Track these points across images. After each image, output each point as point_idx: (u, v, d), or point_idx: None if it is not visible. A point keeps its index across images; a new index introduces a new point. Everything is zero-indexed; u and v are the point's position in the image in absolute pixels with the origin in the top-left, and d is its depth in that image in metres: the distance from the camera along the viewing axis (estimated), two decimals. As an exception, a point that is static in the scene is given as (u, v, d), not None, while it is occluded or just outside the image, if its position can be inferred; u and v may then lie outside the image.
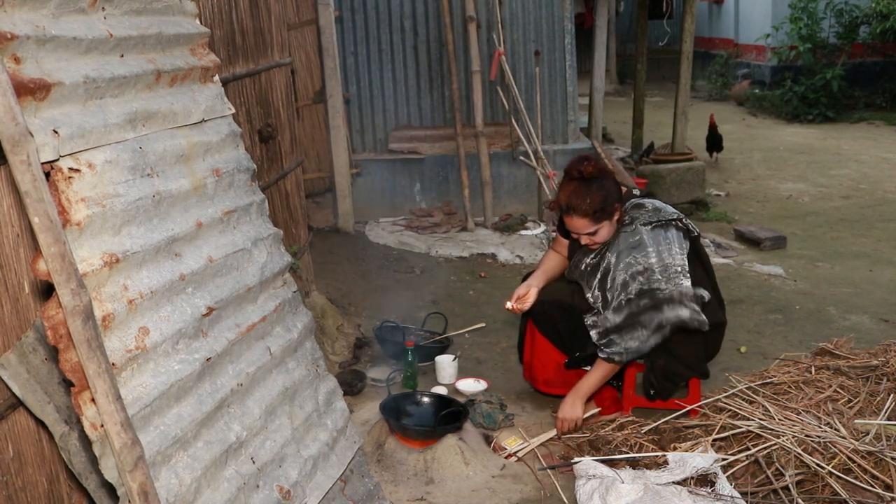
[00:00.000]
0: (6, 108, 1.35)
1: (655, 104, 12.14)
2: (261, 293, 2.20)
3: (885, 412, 2.82)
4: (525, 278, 3.31)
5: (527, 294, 3.16)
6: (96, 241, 1.64)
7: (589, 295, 3.01)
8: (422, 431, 2.88)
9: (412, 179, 6.39)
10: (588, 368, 3.24)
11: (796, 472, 2.53)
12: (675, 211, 3.04)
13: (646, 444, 2.83)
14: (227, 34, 3.27)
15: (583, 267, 3.05)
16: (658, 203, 3.05)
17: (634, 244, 2.92)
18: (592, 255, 3.03)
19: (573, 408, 3.03)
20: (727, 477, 2.57)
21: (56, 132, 1.55)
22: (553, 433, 3.05)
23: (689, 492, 2.46)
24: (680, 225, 2.99)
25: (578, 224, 2.92)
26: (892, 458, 2.52)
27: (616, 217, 2.97)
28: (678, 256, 2.91)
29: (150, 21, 2.00)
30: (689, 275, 2.90)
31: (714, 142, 8.49)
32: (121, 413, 1.52)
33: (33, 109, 1.53)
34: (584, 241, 3.00)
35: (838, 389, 3.01)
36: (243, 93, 3.44)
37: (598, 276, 2.98)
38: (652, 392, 3.09)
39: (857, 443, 2.59)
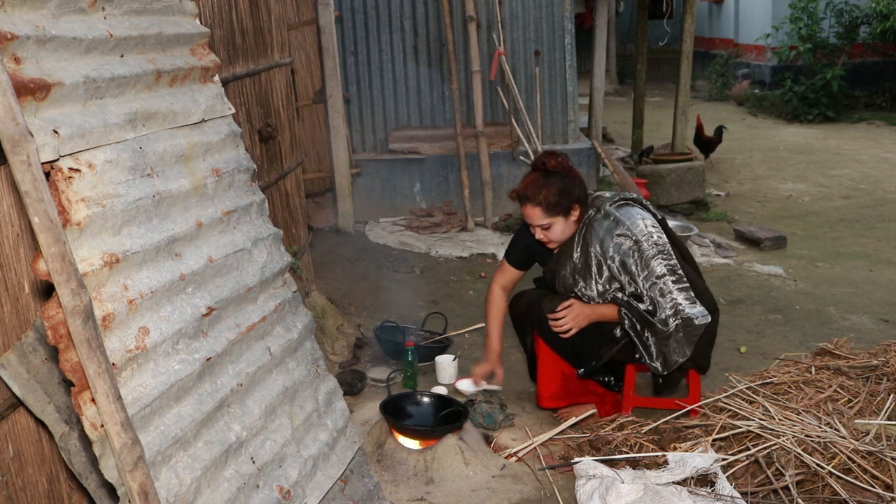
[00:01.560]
0: (6, 108, 1.35)
1: (655, 104, 12.15)
2: (261, 293, 2.20)
3: (885, 412, 2.82)
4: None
5: (487, 372, 3.21)
6: (96, 241, 1.64)
7: (594, 293, 2.99)
8: (421, 431, 2.88)
9: (412, 179, 6.39)
10: (601, 379, 3.23)
11: (796, 472, 2.53)
12: (634, 195, 3.09)
13: (646, 444, 2.83)
14: (227, 34, 3.27)
15: (568, 272, 3.03)
16: (614, 192, 3.10)
17: (611, 225, 2.92)
18: (576, 257, 3.00)
19: (582, 316, 2.96)
20: (727, 477, 2.57)
21: (56, 132, 1.55)
22: (553, 433, 3.05)
23: (689, 492, 2.46)
24: (643, 204, 3.02)
25: (532, 213, 2.93)
26: (892, 458, 2.52)
27: (574, 217, 2.96)
28: (655, 231, 2.91)
29: (150, 21, 2.00)
30: (671, 253, 2.91)
31: (700, 144, 8.22)
32: (121, 413, 1.52)
33: (33, 109, 1.53)
34: (538, 235, 2.98)
35: (838, 389, 3.01)
36: (243, 93, 3.44)
37: (594, 268, 2.97)
38: (661, 381, 3.07)
39: (857, 443, 2.59)
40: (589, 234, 2.97)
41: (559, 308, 2.98)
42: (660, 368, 2.94)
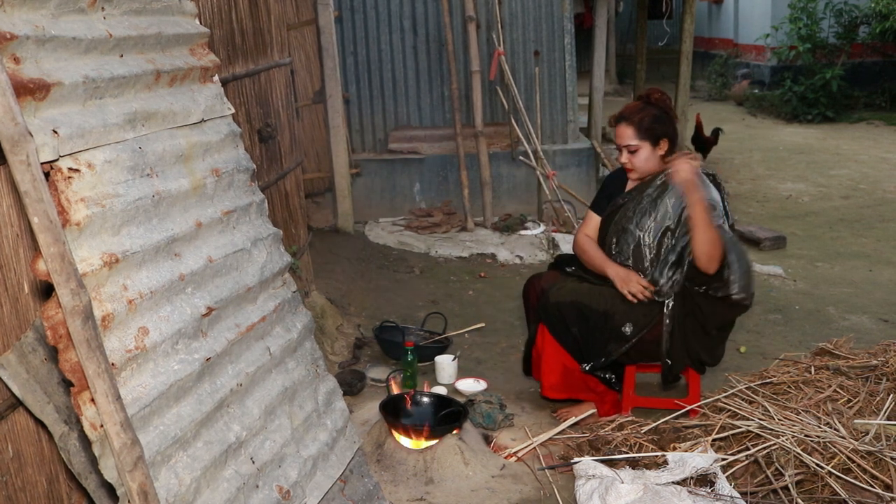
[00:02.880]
0: (6, 108, 1.35)
1: (655, 104, 12.13)
2: (260, 293, 2.20)
3: (885, 412, 2.82)
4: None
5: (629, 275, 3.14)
6: (96, 241, 1.64)
7: (645, 232, 3.03)
8: (421, 431, 2.88)
9: (412, 179, 6.39)
10: (602, 376, 3.22)
11: (796, 472, 2.53)
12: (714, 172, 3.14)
13: (645, 444, 2.83)
14: (227, 34, 3.27)
15: (631, 206, 3.09)
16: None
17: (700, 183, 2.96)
18: (649, 191, 3.06)
19: (695, 175, 2.89)
20: (727, 477, 2.57)
21: (55, 132, 1.55)
22: (552, 433, 3.05)
23: (689, 492, 2.46)
24: (721, 188, 3.06)
25: (624, 132, 3.04)
26: (892, 458, 2.52)
27: (661, 151, 3.05)
28: (721, 211, 2.98)
29: (150, 21, 2.00)
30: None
31: (697, 143, 8.11)
32: (120, 413, 1.52)
33: (33, 109, 1.53)
34: (623, 158, 3.07)
35: (838, 389, 3.01)
36: (243, 93, 3.44)
37: (660, 210, 3.02)
38: (670, 363, 3.05)
39: (856, 443, 2.59)
40: (668, 182, 3.01)
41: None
42: (738, 290, 2.94)
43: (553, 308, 3.10)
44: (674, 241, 2.99)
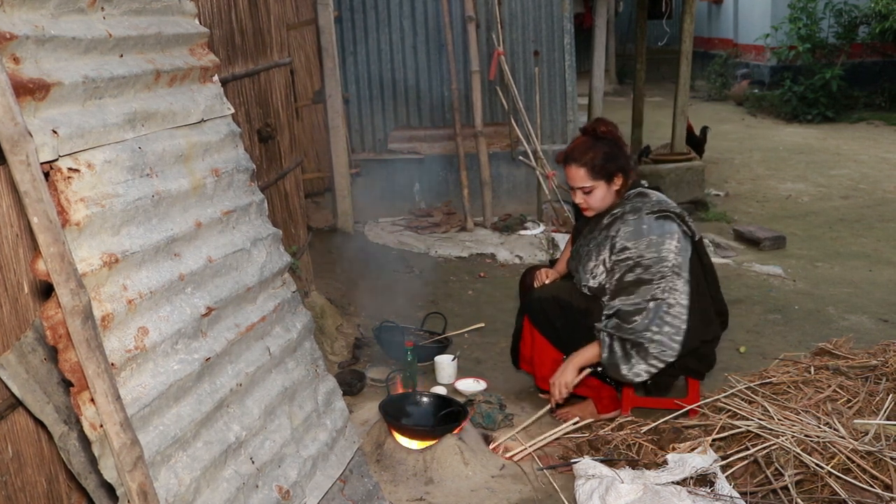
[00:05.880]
0: (5, 108, 1.35)
1: (655, 104, 12.14)
2: (260, 293, 2.20)
3: (884, 412, 2.82)
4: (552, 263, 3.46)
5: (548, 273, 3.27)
6: (95, 241, 1.64)
7: (590, 269, 3.00)
8: (420, 431, 2.88)
9: (411, 179, 6.39)
10: (596, 370, 3.23)
11: (795, 472, 2.53)
12: (679, 208, 3.03)
13: (645, 444, 2.83)
14: (227, 34, 3.27)
15: (587, 250, 3.07)
16: (663, 197, 3.04)
17: (637, 232, 2.89)
18: (596, 232, 3.03)
19: (563, 373, 2.99)
20: (726, 477, 2.57)
21: (55, 132, 1.55)
22: (552, 433, 3.05)
23: (689, 492, 2.46)
24: (681, 223, 2.96)
25: (575, 175, 2.93)
26: (892, 458, 2.52)
27: (616, 186, 2.95)
28: (673, 255, 2.88)
29: (150, 21, 2.00)
30: (682, 275, 2.88)
31: (692, 144, 8.27)
32: (120, 413, 1.52)
33: (32, 109, 1.53)
34: (578, 198, 2.99)
35: (837, 389, 3.01)
36: (242, 93, 3.44)
37: (606, 250, 2.97)
38: (649, 383, 3.08)
39: (856, 443, 2.59)
40: (617, 224, 2.95)
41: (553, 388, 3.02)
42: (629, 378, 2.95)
43: (536, 303, 3.15)
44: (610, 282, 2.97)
